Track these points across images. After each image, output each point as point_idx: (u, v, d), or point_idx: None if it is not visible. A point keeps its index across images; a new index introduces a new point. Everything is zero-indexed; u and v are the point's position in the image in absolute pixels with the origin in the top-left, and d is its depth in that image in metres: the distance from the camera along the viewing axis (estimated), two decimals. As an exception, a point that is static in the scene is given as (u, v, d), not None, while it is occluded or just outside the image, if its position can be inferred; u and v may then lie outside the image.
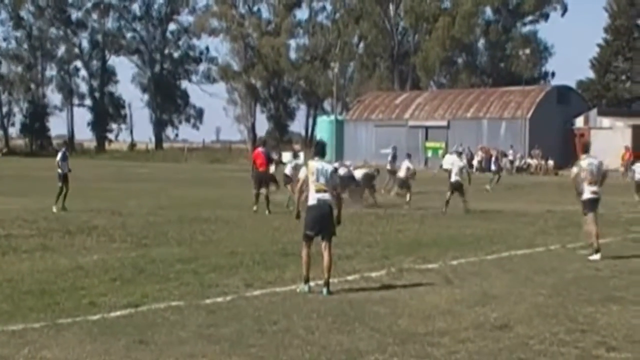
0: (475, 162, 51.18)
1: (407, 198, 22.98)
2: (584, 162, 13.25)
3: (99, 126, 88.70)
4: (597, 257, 12.78)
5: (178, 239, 14.76)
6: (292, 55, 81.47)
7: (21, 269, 11.12)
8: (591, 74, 69.04)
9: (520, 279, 10.90)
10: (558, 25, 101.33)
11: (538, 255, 13.36)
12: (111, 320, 8.14)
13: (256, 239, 14.85)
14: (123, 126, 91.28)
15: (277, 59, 77.96)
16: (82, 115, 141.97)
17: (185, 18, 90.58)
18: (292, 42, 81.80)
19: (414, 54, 75.25)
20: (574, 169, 13.50)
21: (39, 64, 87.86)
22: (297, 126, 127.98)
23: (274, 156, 25.04)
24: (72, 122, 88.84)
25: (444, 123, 58.70)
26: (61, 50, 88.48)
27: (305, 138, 77.44)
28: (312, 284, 9.79)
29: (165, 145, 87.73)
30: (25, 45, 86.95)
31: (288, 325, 8.00)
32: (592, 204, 13.13)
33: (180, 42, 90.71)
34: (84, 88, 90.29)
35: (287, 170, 22.35)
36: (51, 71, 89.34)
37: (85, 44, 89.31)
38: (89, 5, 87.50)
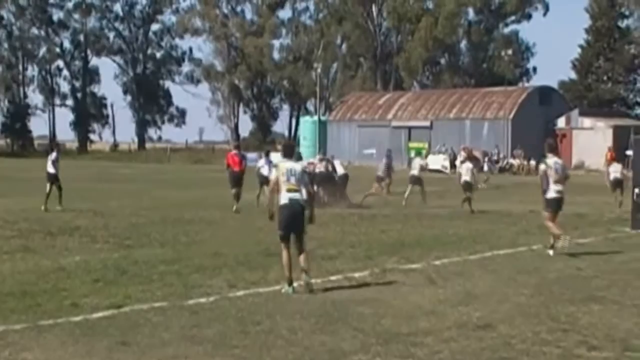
0: (457, 163, 51.31)
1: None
2: (550, 160, 13.50)
3: (81, 127, 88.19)
4: (551, 252, 13.17)
5: (161, 240, 14.71)
6: (276, 55, 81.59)
7: (2, 270, 11.04)
8: (573, 75, 69.59)
9: (503, 278, 10.95)
10: (540, 25, 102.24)
11: (521, 255, 13.42)
12: (93, 322, 8.09)
13: (240, 239, 14.83)
14: (105, 127, 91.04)
15: (260, 59, 77.91)
16: (64, 116, 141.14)
17: (168, 17, 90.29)
18: (276, 43, 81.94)
19: (397, 54, 75.40)
20: (542, 167, 13.70)
21: (20, 63, 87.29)
22: (280, 127, 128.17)
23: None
24: (53, 122, 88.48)
25: (427, 123, 58.83)
26: (42, 50, 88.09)
27: (289, 138, 77.35)
28: (295, 285, 9.79)
29: (148, 145, 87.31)
30: (6, 45, 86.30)
31: (271, 325, 7.99)
32: (555, 203, 13.34)
33: (163, 43, 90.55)
34: (65, 88, 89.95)
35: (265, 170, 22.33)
36: (32, 71, 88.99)
37: (67, 44, 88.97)
38: (70, 5, 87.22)
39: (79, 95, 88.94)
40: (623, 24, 68.45)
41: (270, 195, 10.58)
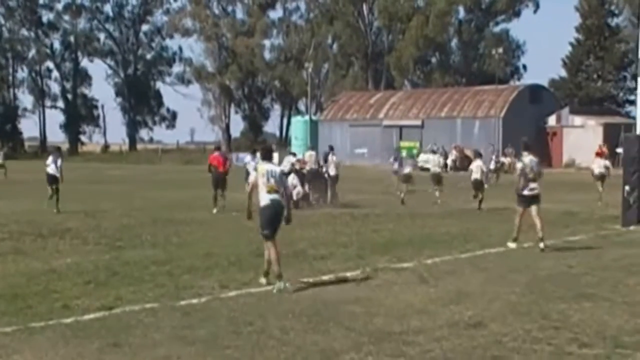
0: (449, 162, 51.42)
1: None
2: (526, 159, 13.90)
3: (72, 128, 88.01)
4: (513, 245, 13.69)
5: (152, 241, 14.69)
6: (267, 55, 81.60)
7: (-7, 272, 11.00)
8: (563, 73, 69.81)
9: (494, 277, 10.97)
10: (530, 24, 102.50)
11: (512, 253, 13.45)
12: (84, 323, 8.07)
13: (231, 240, 14.82)
14: (96, 128, 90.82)
15: (251, 59, 77.86)
16: (54, 117, 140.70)
17: (159, 18, 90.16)
18: (267, 43, 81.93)
19: (388, 53, 75.45)
20: (519, 165, 14.01)
21: (9, 65, 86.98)
22: (271, 127, 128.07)
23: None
24: (44, 124, 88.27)
25: (418, 122, 58.90)
26: (32, 51, 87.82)
27: (280, 138, 77.39)
28: (288, 284, 9.80)
29: (139, 146, 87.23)
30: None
31: (263, 326, 7.99)
32: (528, 200, 13.69)
33: (154, 44, 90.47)
34: (56, 89, 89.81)
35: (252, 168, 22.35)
36: (22, 73, 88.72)
37: (57, 45, 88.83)
38: (60, 6, 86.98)
39: (69, 96, 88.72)
40: (613, 22, 68.82)
41: (249, 195, 10.58)
